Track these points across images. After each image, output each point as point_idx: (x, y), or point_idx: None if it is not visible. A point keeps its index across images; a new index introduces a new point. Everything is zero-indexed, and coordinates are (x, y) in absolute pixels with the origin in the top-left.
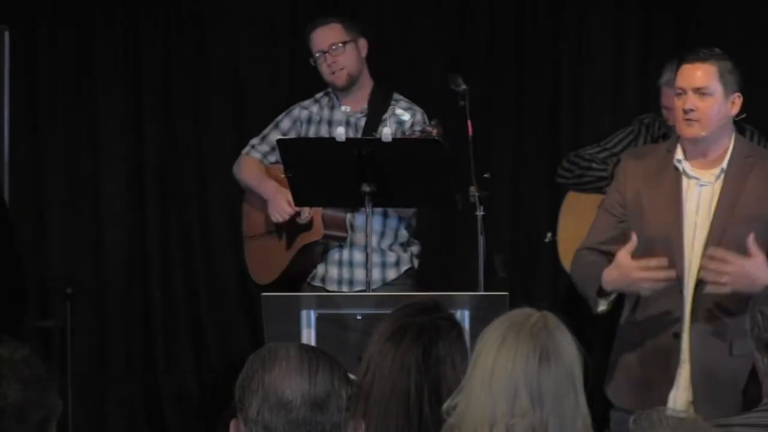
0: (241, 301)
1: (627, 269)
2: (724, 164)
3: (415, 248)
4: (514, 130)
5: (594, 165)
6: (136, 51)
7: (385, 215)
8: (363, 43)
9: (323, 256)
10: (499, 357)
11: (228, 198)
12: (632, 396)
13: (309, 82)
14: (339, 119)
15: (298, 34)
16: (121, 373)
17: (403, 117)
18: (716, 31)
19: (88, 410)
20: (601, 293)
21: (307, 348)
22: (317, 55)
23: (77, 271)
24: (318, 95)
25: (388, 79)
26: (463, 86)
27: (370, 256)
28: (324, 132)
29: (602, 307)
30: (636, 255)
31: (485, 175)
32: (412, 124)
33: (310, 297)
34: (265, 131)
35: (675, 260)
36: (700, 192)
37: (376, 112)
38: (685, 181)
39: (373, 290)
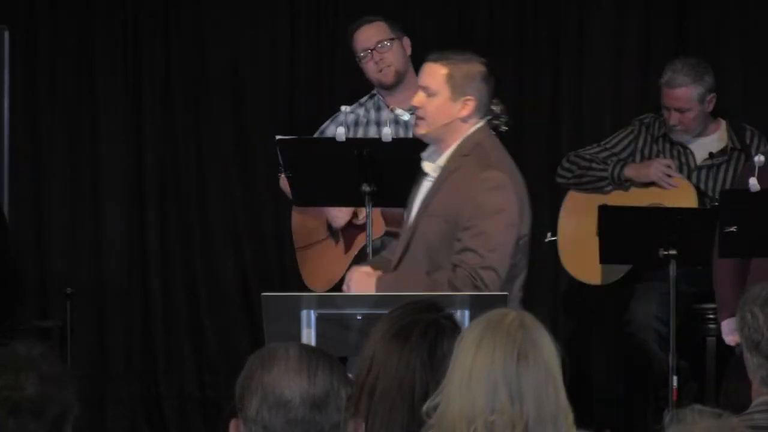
0: (241, 301)
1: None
2: (441, 162)
3: None
4: (514, 130)
5: (594, 165)
6: (136, 51)
7: None
8: (407, 41)
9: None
10: (477, 357)
11: (228, 198)
12: None
13: (309, 82)
14: (387, 119)
15: (298, 34)
16: (121, 373)
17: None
18: (716, 32)
19: (88, 410)
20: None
21: (307, 348)
22: (362, 54)
23: (77, 271)
24: (363, 99)
25: None
26: None
27: (369, 254)
28: (373, 133)
29: None
30: None
31: None
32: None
33: (310, 297)
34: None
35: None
36: (424, 187)
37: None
38: (425, 179)
39: None
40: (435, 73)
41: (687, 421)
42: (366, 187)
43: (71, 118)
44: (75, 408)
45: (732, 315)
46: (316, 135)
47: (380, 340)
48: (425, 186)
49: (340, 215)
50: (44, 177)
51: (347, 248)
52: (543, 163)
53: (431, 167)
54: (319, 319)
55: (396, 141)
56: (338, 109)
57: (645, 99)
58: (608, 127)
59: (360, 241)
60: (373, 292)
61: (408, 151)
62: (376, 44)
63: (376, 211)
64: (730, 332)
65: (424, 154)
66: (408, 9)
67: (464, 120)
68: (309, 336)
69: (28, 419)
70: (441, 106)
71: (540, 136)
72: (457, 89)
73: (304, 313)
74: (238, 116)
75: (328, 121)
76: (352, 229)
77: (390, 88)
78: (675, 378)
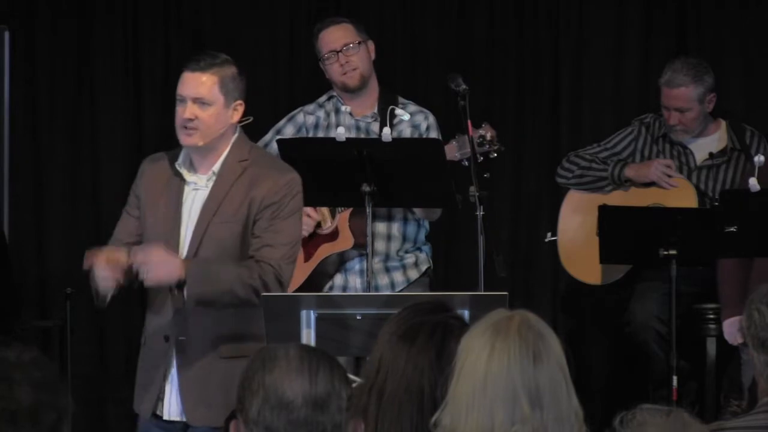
0: None
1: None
2: (216, 168)
3: (427, 248)
4: (514, 130)
5: (594, 165)
6: (136, 51)
7: (405, 220)
8: (371, 45)
9: (340, 266)
10: (491, 364)
11: None
12: None
13: (309, 83)
14: (348, 123)
15: (298, 34)
16: (121, 373)
17: (404, 117)
18: (716, 32)
19: (88, 410)
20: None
21: (307, 348)
22: (328, 55)
23: (77, 271)
24: (321, 100)
25: (389, 80)
26: (463, 86)
27: (370, 255)
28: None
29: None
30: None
31: (485, 175)
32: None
33: (310, 297)
34: (266, 138)
35: None
36: (195, 195)
37: (387, 117)
38: (186, 186)
39: (400, 291)
40: (205, 82)
41: (637, 422)
42: (366, 187)
43: (71, 118)
44: (70, 409)
45: (735, 315)
46: (270, 134)
47: (388, 342)
48: (192, 194)
49: (306, 223)
50: (44, 177)
51: (307, 257)
52: (543, 163)
53: (201, 177)
54: (319, 319)
55: (396, 141)
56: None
57: (645, 99)
58: (608, 127)
59: (323, 252)
60: (178, 276)
61: (408, 151)
62: (343, 46)
63: (342, 222)
64: (732, 332)
65: (178, 163)
66: (407, 9)
67: (234, 125)
68: (309, 336)
69: (26, 427)
70: (217, 115)
71: (540, 136)
72: (229, 95)
73: (304, 313)
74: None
75: (284, 120)
76: (316, 239)
77: (353, 91)
78: (675, 378)
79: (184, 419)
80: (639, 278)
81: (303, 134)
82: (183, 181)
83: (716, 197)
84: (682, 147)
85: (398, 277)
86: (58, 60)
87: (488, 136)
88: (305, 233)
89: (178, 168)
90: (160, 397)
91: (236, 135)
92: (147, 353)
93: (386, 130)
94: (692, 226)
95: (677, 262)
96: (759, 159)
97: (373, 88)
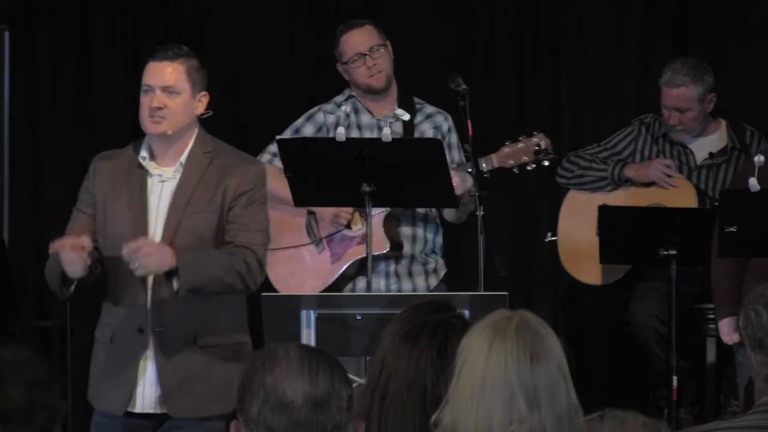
0: None
1: None
2: (183, 159)
3: (441, 251)
4: (514, 131)
5: (594, 165)
6: (136, 51)
7: (425, 222)
8: (390, 47)
9: (363, 268)
10: (489, 363)
11: None
12: None
13: (309, 82)
14: (368, 123)
15: (298, 34)
16: None
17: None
18: (715, 32)
19: (88, 410)
20: (66, 282)
21: (307, 348)
22: (355, 57)
23: None
24: (338, 99)
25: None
26: (463, 86)
27: (369, 256)
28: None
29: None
30: (106, 253)
31: (485, 175)
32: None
33: (310, 297)
34: (284, 135)
35: None
36: (162, 187)
37: (410, 117)
38: (149, 178)
39: None
40: (174, 72)
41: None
42: (366, 187)
43: (71, 118)
44: (63, 409)
45: (730, 315)
46: (288, 133)
47: (390, 342)
48: (159, 186)
49: (335, 223)
50: (44, 177)
51: (335, 258)
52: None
53: (167, 169)
54: (319, 319)
55: (396, 141)
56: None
57: (645, 99)
58: (608, 127)
59: (353, 254)
60: (170, 265)
61: (408, 151)
62: (370, 48)
63: (377, 226)
64: (729, 332)
65: (141, 155)
66: (407, 9)
67: (196, 117)
68: (309, 336)
69: (18, 427)
70: (185, 104)
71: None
72: (195, 86)
73: (304, 313)
74: (238, 116)
75: (302, 119)
76: (344, 241)
77: (378, 92)
78: (675, 378)
79: (162, 411)
80: (639, 278)
81: (323, 134)
82: (146, 173)
83: (716, 197)
84: (682, 147)
85: (420, 282)
86: (58, 60)
87: (543, 144)
88: (334, 227)
89: (142, 161)
90: (133, 392)
91: (198, 127)
92: (114, 349)
93: (386, 130)
94: (692, 226)
95: (677, 262)
96: (759, 159)
97: (394, 90)
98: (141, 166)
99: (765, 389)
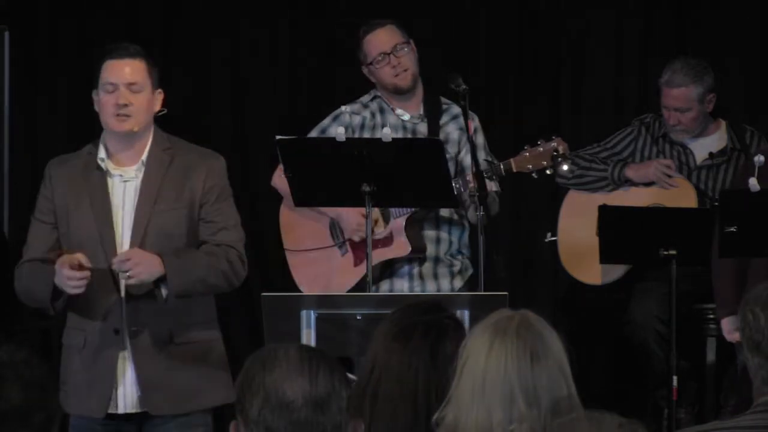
0: (241, 301)
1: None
2: (144, 157)
3: (468, 251)
4: (514, 131)
5: (594, 165)
6: None
7: (450, 223)
8: (414, 45)
9: (385, 271)
10: (489, 363)
11: None
12: None
13: (309, 82)
14: (394, 123)
15: (298, 34)
16: None
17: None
18: (716, 32)
19: None
20: (56, 296)
21: (307, 348)
22: (379, 57)
23: None
24: (365, 100)
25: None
26: (463, 86)
27: (369, 256)
28: None
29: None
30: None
31: (485, 175)
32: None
33: (310, 297)
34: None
35: (109, 256)
36: (125, 187)
37: (435, 117)
38: (109, 178)
39: None
40: (136, 68)
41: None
42: (366, 187)
43: (71, 119)
44: (61, 410)
45: (731, 313)
46: (315, 133)
47: (382, 342)
48: (121, 186)
49: (356, 230)
50: None
51: (357, 262)
52: None
53: (128, 168)
54: (319, 319)
55: (396, 141)
56: (338, 108)
57: (645, 99)
58: (608, 127)
59: (375, 257)
60: (159, 272)
61: (408, 151)
62: (394, 47)
63: (399, 229)
64: (730, 330)
65: (100, 157)
66: (407, 9)
67: (155, 114)
68: (309, 336)
69: (16, 427)
70: (148, 101)
71: (540, 137)
72: (154, 83)
73: (304, 313)
74: (238, 117)
75: (328, 119)
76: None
77: (405, 92)
78: (675, 378)
79: (143, 410)
80: (639, 278)
81: (350, 135)
82: (105, 174)
83: (716, 197)
84: (682, 147)
85: (445, 284)
86: (58, 60)
87: (561, 149)
88: (357, 238)
89: (101, 162)
90: (113, 394)
91: (154, 124)
92: (89, 352)
93: (386, 130)
94: (692, 226)
95: (677, 262)
96: (759, 159)
97: (419, 89)
98: (99, 168)
99: (763, 390)
